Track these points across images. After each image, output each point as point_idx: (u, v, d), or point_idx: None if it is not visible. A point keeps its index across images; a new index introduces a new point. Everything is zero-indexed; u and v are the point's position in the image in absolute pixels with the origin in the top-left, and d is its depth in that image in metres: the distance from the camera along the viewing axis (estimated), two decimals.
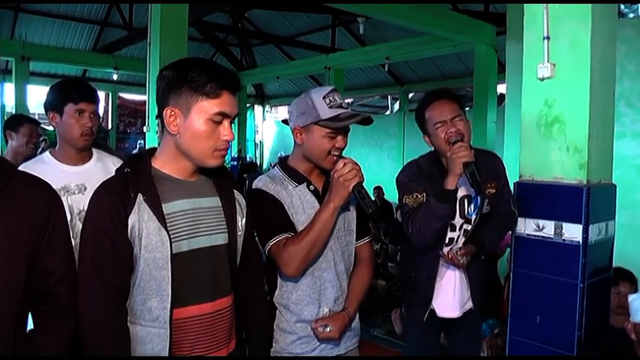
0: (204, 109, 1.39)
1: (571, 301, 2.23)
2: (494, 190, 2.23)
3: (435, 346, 2.46)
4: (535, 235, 2.36)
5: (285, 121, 3.07)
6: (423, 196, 2.17)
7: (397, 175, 2.30)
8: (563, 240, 2.27)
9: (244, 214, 1.61)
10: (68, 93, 2.13)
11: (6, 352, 1.25)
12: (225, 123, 1.43)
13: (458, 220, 2.23)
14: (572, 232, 2.24)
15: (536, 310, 2.36)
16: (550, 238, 2.31)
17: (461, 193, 2.21)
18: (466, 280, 2.29)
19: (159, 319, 1.40)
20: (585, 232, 2.21)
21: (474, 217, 2.23)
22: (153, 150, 1.54)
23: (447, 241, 2.24)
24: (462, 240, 2.25)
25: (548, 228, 2.32)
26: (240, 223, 1.58)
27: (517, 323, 2.45)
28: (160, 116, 1.45)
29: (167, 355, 1.40)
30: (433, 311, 2.29)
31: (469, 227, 2.24)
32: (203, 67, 1.41)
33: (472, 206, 2.22)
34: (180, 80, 1.39)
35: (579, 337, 2.22)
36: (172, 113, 1.41)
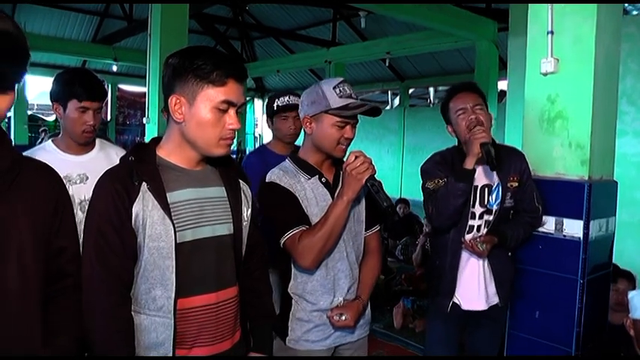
0: (210, 97, 1.38)
1: (571, 296, 2.24)
2: (516, 184, 2.26)
3: (456, 342, 2.45)
4: (536, 231, 2.36)
5: (269, 111, 3.05)
6: (444, 181, 2.23)
7: (421, 165, 2.38)
8: (564, 236, 2.27)
9: (250, 205, 1.60)
10: (74, 88, 2.08)
11: (40, 337, 1.26)
12: (231, 112, 1.41)
13: (478, 209, 2.26)
14: (573, 227, 2.25)
15: (535, 305, 2.36)
16: (551, 233, 2.32)
17: (481, 182, 2.25)
18: (490, 272, 2.29)
19: (163, 309, 1.40)
20: (586, 228, 2.21)
21: (495, 207, 2.25)
22: (158, 139, 1.52)
23: (467, 228, 2.26)
24: (483, 230, 2.28)
25: (549, 224, 2.32)
26: (245, 214, 1.57)
27: (516, 318, 2.46)
28: (165, 104, 1.44)
29: (172, 344, 1.40)
30: (457, 305, 2.30)
31: (491, 218, 2.27)
32: (209, 55, 1.40)
33: (493, 196, 2.25)
34: (186, 68, 1.38)
35: (578, 332, 2.22)
36: (178, 101, 1.40)
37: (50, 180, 1.34)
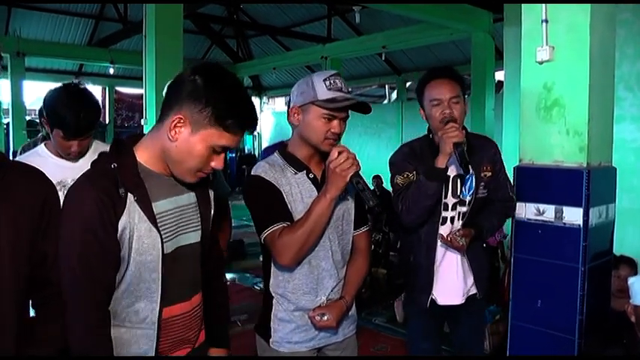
0: (214, 137, 1.33)
1: (572, 284, 2.23)
2: (490, 174, 2.24)
3: (437, 336, 2.44)
4: (536, 220, 2.35)
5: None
6: (414, 175, 2.18)
7: (390, 157, 2.31)
8: (564, 224, 2.27)
9: (213, 206, 1.58)
10: (61, 120, 1.99)
11: (11, 339, 1.25)
12: (223, 154, 1.39)
13: (450, 199, 2.23)
14: (573, 215, 2.24)
15: (537, 294, 2.36)
16: (551, 222, 2.31)
17: (453, 172, 2.21)
18: (468, 265, 2.27)
19: (146, 321, 1.38)
20: (586, 215, 2.21)
21: (468, 198, 2.23)
22: (135, 138, 1.46)
23: (440, 220, 2.23)
24: (459, 223, 2.25)
25: (548, 212, 2.32)
26: (211, 218, 1.56)
27: (519, 308, 2.45)
28: (164, 114, 1.37)
29: (155, 354, 1.39)
30: (434, 301, 2.28)
31: (465, 209, 2.24)
32: (234, 97, 1.35)
33: (466, 187, 2.22)
34: (208, 99, 1.31)
35: (581, 320, 2.22)
36: (181, 122, 1.33)
37: (37, 183, 1.33)
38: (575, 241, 2.23)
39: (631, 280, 2.04)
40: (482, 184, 2.22)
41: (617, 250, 2.62)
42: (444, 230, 2.22)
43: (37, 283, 1.32)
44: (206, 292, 1.60)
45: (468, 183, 2.22)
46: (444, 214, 2.23)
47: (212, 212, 1.56)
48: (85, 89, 2.14)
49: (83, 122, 2.02)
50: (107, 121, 15.15)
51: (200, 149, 1.34)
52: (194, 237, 1.49)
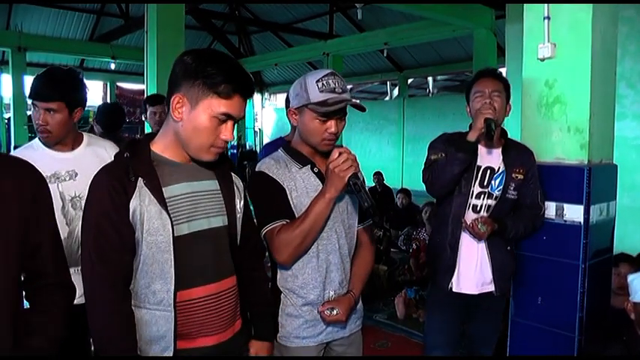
0: (212, 106, 1.38)
1: (572, 282, 2.24)
2: (521, 176, 2.29)
3: (455, 331, 2.47)
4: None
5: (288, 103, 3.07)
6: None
7: (430, 142, 2.46)
8: (565, 221, 2.28)
9: (242, 197, 1.63)
10: (32, 85, 2.04)
11: (6, 330, 1.26)
12: (229, 124, 1.43)
13: (477, 188, 2.30)
14: (574, 213, 2.25)
15: (538, 291, 2.37)
16: (551, 219, 2.32)
17: (484, 163, 2.30)
18: (488, 259, 2.31)
19: (163, 302, 1.42)
20: (587, 212, 2.22)
21: (496, 193, 2.28)
22: (152, 135, 1.54)
23: (467, 206, 2.31)
24: (484, 213, 2.31)
25: (549, 209, 2.33)
26: (238, 206, 1.60)
27: (519, 305, 2.46)
28: (167, 100, 1.44)
29: (173, 336, 1.42)
30: (451, 288, 2.33)
31: (492, 202, 2.29)
32: (223, 64, 1.40)
33: (496, 181, 2.29)
34: (197, 72, 1.37)
35: (581, 317, 2.23)
36: (180, 101, 1.40)
37: (24, 178, 1.33)
38: (575, 238, 2.24)
39: (630, 278, 2.04)
40: (513, 184, 2.29)
41: (618, 247, 2.63)
42: (467, 217, 2.29)
43: (31, 274, 1.34)
44: (244, 281, 1.63)
45: (499, 178, 2.29)
46: (469, 200, 2.31)
47: (241, 200, 1.60)
48: (73, 71, 2.17)
49: (46, 86, 2.03)
50: None
51: (203, 121, 1.40)
52: (218, 221, 1.53)
